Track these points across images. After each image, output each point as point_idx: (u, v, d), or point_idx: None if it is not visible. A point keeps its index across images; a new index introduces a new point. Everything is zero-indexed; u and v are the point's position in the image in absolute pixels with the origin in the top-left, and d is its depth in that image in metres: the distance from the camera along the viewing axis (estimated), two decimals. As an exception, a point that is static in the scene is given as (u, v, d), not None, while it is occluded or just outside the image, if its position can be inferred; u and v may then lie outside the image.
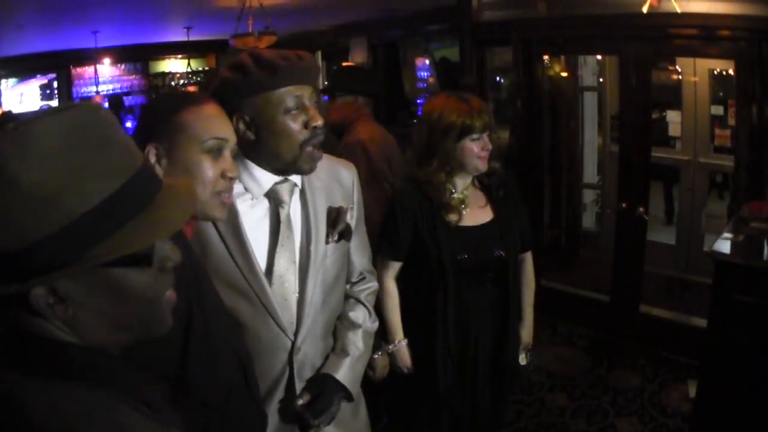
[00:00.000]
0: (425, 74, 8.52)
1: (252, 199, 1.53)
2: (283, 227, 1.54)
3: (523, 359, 2.35)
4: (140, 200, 0.80)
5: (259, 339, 1.52)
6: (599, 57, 5.26)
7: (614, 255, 4.20)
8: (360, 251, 1.78)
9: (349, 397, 1.64)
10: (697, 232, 4.68)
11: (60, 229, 0.73)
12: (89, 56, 8.35)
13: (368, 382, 1.77)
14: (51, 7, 4.99)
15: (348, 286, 1.77)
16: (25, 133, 0.73)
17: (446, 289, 2.09)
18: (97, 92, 8.69)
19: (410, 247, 2.15)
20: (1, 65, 7.94)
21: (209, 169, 1.24)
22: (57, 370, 0.75)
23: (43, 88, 8.61)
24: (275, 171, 1.52)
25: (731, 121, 4.38)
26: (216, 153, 1.25)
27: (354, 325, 1.72)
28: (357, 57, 7.69)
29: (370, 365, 2.01)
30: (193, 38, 7.86)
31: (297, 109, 1.44)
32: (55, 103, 8.63)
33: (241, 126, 1.44)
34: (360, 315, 1.74)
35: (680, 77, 4.98)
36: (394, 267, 2.19)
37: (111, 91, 8.92)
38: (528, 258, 2.36)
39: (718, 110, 4.72)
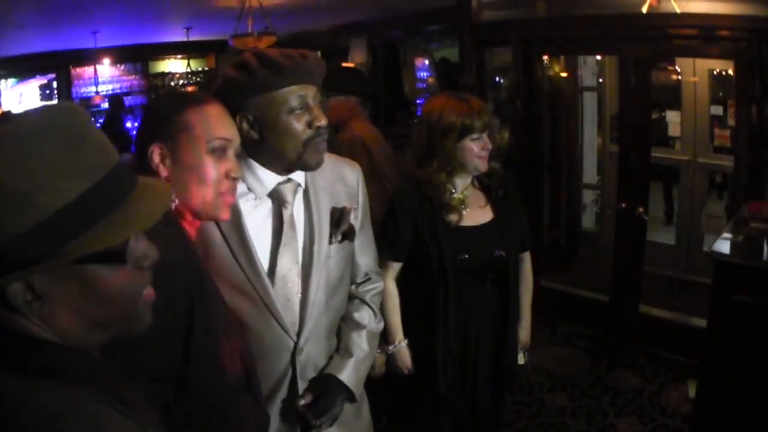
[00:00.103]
0: (425, 74, 8.53)
1: (255, 199, 1.52)
2: (286, 227, 1.53)
3: (521, 359, 2.35)
4: (114, 197, 0.81)
5: (261, 339, 1.51)
6: (599, 57, 5.27)
7: (614, 255, 4.20)
8: (365, 251, 1.76)
9: (351, 398, 1.63)
10: (696, 233, 4.69)
11: (34, 226, 0.75)
12: (89, 56, 8.34)
13: (368, 382, 1.76)
14: (51, 7, 5.00)
15: (353, 287, 1.76)
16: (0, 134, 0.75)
17: (447, 290, 2.09)
18: (97, 92, 8.69)
19: (410, 248, 2.15)
20: (0, 65, 7.93)
21: (213, 170, 1.24)
22: (34, 367, 0.76)
23: (42, 88, 8.60)
24: (279, 171, 1.51)
25: (731, 122, 4.39)
26: (220, 153, 1.26)
27: (359, 326, 1.71)
28: (357, 57, 7.69)
29: None
30: (192, 38, 7.86)
31: (301, 109, 1.44)
32: (54, 103, 8.63)
33: (245, 125, 1.43)
34: (365, 316, 1.73)
35: (680, 77, 4.98)
36: (394, 268, 2.19)
37: (110, 92, 8.90)
38: (526, 258, 2.36)
39: (717, 110, 4.72)
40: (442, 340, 2.12)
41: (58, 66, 8.49)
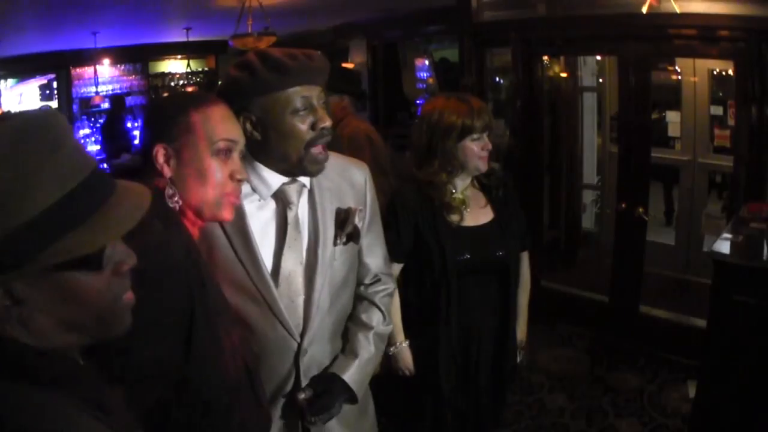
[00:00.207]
0: (425, 75, 8.54)
1: (259, 200, 1.51)
2: (290, 228, 1.52)
3: (517, 357, 2.35)
4: (90, 204, 0.81)
5: (265, 340, 1.51)
6: (599, 57, 5.27)
7: (614, 255, 4.21)
8: (374, 252, 1.74)
9: (353, 399, 1.61)
10: (696, 233, 4.68)
11: (10, 232, 0.75)
12: (89, 57, 8.34)
13: (371, 382, 1.75)
14: (51, 8, 4.99)
15: (362, 288, 1.74)
16: None
17: (449, 290, 2.09)
18: (97, 92, 8.69)
19: (411, 249, 2.14)
20: (0, 65, 7.93)
21: (218, 171, 1.24)
22: (10, 371, 0.77)
23: (42, 88, 8.60)
24: (283, 172, 1.50)
25: (731, 122, 4.39)
26: (224, 155, 1.25)
27: (366, 327, 1.68)
28: (357, 57, 7.70)
29: None
30: (192, 39, 7.86)
31: (305, 110, 1.42)
32: (54, 103, 8.63)
33: (248, 126, 1.42)
34: (373, 317, 1.70)
35: (680, 77, 4.99)
36: (395, 269, 2.19)
37: (110, 92, 8.91)
38: (525, 258, 2.36)
39: (717, 110, 4.72)
40: (445, 341, 2.12)
41: (58, 66, 8.50)
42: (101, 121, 8.78)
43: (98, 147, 8.74)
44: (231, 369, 1.26)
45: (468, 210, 2.16)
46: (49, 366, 0.80)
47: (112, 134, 8.19)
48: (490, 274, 2.19)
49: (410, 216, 2.11)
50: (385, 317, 1.74)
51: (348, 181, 1.65)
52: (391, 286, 1.81)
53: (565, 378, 3.76)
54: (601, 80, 5.44)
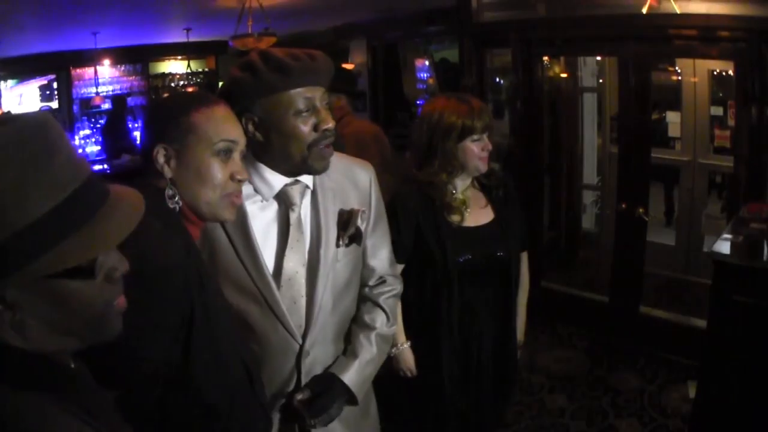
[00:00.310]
0: (425, 75, 8.54)
1: (262, 201, 1.51)
2: (292, 229, 1.51)
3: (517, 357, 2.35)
4: (83, 213, 0.81)
5: (267, 341, 1.50)
6: (599, 58, 5.26)
7: (614, 256, 4.21)
8: (380, 253, 1.73)
9: (353, 400, 1.60)
10: (696, 233, 4.68)
11: (2, 241, 0.75)
12: (89, 57, 8.34)
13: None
14: (51, 8, 5.00)
15: (366, 289, 1.73)
16: None
17: (450, 290, 2.09)
18: (97, 93, 8.68)
19: (412, 249, 2.14)
20: (0, 66, 7.93)
21: (219, 172, 1.24)
22: (1, 374, 0.77)
23: (42, 89, 8.59)
24: (286, 172, 1.49)
25: (731, 122, 4.39)
26: (225, 155, 1.25)
27: (368, 328, 1.67)
28: (357, 58, 7.71)
29: None
30: (192, 39, 7.87)
31: (307, 111, 1.41)
32: (54, 104, 8.63)
33: (251, 127, 1.41)
34: (376, 318, 1.69)
35: (680, 78, 4.99)
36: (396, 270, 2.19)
37: (111, 92, 8.91)
38: (524, 258, 2.36)
39: (717, 111, 4.73)
40: (447, 341, 2.11)
41: (59, 67, 8.50)
42: (101, 121, 8.78)
43: (98, 148, 8.75)
44: (231, 370, 1.26)
45: (468, 210, 2.16)
46: (40, 370, 0.81)
47: (114, 135, 8.19)
48: (491, 274, 2.19)
49: (411, 216, 2.10)
50: (389, 318, 1.72)
51: (352, 181, 1.64)
52: (397, 287, 1.79)
53: (565, 378, 3.76)
54: (601, 81, 5.44)
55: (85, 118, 8.95)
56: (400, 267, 2.12)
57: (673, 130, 5.03)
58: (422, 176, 2.11)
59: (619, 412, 3.38)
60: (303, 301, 1.53)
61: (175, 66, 9.64)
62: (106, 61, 8.76)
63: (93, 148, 8.84)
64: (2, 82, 8.28)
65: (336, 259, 1.56)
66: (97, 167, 7.62)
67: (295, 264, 1.52)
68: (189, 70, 9.61)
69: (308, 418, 1.50)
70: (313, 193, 1.56)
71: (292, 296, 1.52)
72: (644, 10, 3.44)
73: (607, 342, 4.09)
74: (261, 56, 1.40)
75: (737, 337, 2.60)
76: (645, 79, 3.91)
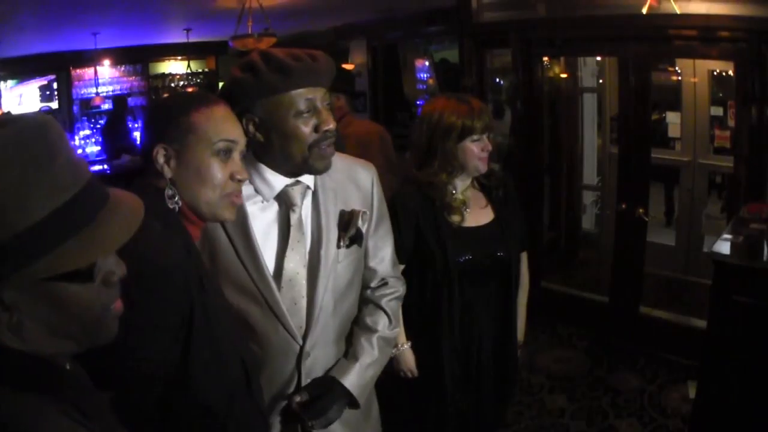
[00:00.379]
0: (425, 76, 8.53)
1: (262, 202, 1.50)
2: (293, 230, 1.51)
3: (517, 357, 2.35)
4: (83, 217, 0.81)
5: (268, 342, 1.50)
6: (599, 58, 5.27)
7: (614, 256, 4.20)
8: (382, 255, 1.72)
9: (354, 403, 1.59)
10: (696, 233, 4.69)
11: (1, 243, 0.75)
12: (89, 58, 8.35)
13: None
14: (51, 9, 5.00)
15: (368, 291, 1.72)
16: None
17: (450, 290, 2.09)
18: (97, 93, 8.69)
19: (412, 250, 2.14)
20: (0, 66, 7.93)
21: (218, 171, 1.24)
22: None
23: (42, 89, 8.59)
24: (286, 173, 1.48)
25: (731, 122, 4.39)
26: (225, 155, 1.25)
27: (369, 331, 1.66)
28: (357, 58, 7.72)
29: None
30: (192, 40, 7.87)
31: (308, 112, 1.40)
32: (54, 104, 8.64)
33: (251, 128, 1.41)
34: (378, 320, 1.68)
35: (680, 78, 4.98)
36: None
37: (111, 93, 8.91)
38: (523, 258, 2.36)
39: (717, 111, 4.72)
40: (447, 341, 2.11)
41: (58, 67, 8.50)
42: (101, 122, 8.79)
43: (98, 148, 8.75)
44: (230, 370, 1.26)
45: (468, 210, 2.16)
46: (36, 371, 0.81)
47: (113, 135, 8.20)
48: (491, 274, 2.19)
49: (411, 217, 2.10)
50: (391, 321, 1.71)
51: (353, 181, 1.63)
52: (399, 289, 1.78)
53: (566, 378, 3.76)
54: (601, 81, 5.44)
55: (85, 118, 8.96)
56: (400, 267, 2.12)
57: (673, 131, 5.03)
58: (422, 176, 2.11)
59: (619, 412, 3.38)
60: (303, 302, 1.52)
61: (175, 66, 9.64)
62: (106, 62, 8.76)
63: (93, 149, 8.84)
64: (2, 82, 8.27)
65: (337, 260, 1.55)
66: (96, 167, 7.63)
67: (296, 265, 1.51)
68: (189, 71, 9.60)
69: (306, 420, 1.49)
70: (314, 194, 1.55)
71: (292, 297, 1.51)
72: (644, 11, 3.45)
73: (607, 342, 4.09)
74: (262, 57, 1.39)
75: (737, 337, 2.60)
76: (645, 79, 3.91)
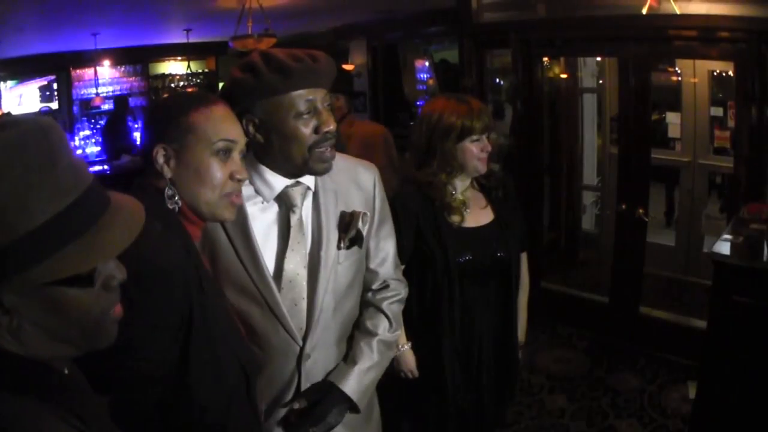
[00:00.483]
0: (425, 76, 8.54)
1: (263, 203, 1.50)
2: (293, 231, 1.50)
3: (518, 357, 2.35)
4: (84, 221, 0.80)
5: (268, 344, 1.49)
6: (599, 58, 5.27)
7: (614, 256, 4.21)
8: (383, 257, 1.70)
9: (354, 408, 1.57)
10: (696, 234, 4.69)
11: (2, 247, 0.74)
12: (89, 58, 8.34)
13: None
14: (51, 9, 5.00)
15: (369, 294, 1.71)
16: None
17: (451, 291, 2.08)
18: (97, 94, 8.69)
19: (413, 250, 2.13)
20: (0, 66, 7.93)
21: (218, 171, 1.24)
22: None
23: (42, 89, 8.59)
24: (287, 174, 1.48)
25: (731, 123, 4.39)
26: (225, 155, 1.25)
27: (369, 334, 1.64)
28: (357, 59, 7.72)
29: None
30: (192, 40, 7.87)
31: (309, 114, 1.40)
32: (54, 105, 8.64)
33: (251, 128, 1.40)
34: (378, 324, 1.66)
35: (680, 78, 4.99)
36: None
37: (111, 93, 8.91)
38: (523, 258, 2.36)
39: (717, 111, 4.72)
40: (448, 341, 2.11)
41: (58, 67, 8.50)
42: (101, 122, 8.79)
43: (98, 149, 8.76)
44: (228, 371, 1.25)
45: (468, 211, 2.16)
46: (34, 375, 0.80)
47: (115, 135, 8.20)
48: (492, 274, 2.19)
49: (411, 217, 2.10)
50: (392, 324, 1.70)
51: (355, 182, 1.62)
52: (401, 292, 1.76)
53: (566, 379, 3.76)
54: (601, 81, 5.44)
55: (85, 118, 8.96)
56: (400, 268, 2.12)
57: (673, 131, 5.03)
58: (421, 176, 2.11)
59: (619, 412, 3.38)
60: (304, 304, 1.52)
61: (175, 67, 9.64)
62: (106, 62, 8.76)
63: (93, 149, 8.84)
64: (2, 82, 8.28)
65: (337, 261, 1.54)
66: (96, 168, 7.63)
67: (296, 266, 1.51)
68: (189, 71, 9.60)
69: (307, 426, 1.48)
70: (315, 195, 1.54)
71: (292, 298, 1.51)
72: (644, 11, 3.45)
73: (607, 342, 4.09)
74: (262, 57, 1.39)
75: (737, 337, 2.60)
76: (645, 79, 3.91)
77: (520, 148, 4.56)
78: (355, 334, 1.66)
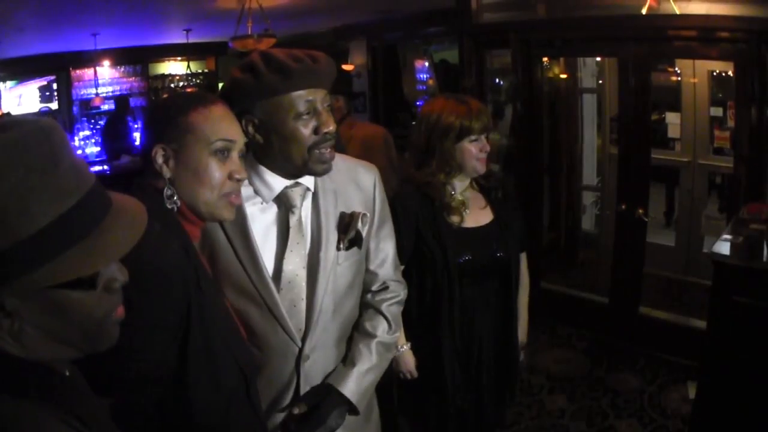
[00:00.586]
0: (425, 76, 8.54)
1: (262, 203, 1.49)
2: (292, 232, 1.50)
3: (519, 358, 2.35)
4: (86, 224, 0.80)
5: (267, 344, 1.49)
6: (598, 59, 5.27)
7: (613, 257, 4.21)
8: (382, 258, 1.70)
9: (353, 410, 1.57)
10: (696, 234, 4.69)
11: (3, 250, 0.74)
12: (89, 58, 8.34)
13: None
14: (50, 9, 5.00)
15: (368, 296, 1.70)
16: None
17: (450, 291, 2.08)
18: (97, 94, 8.69)
19: (412, 250, 2.13)
20: (0, 67, 7.93)
21: (216, 171, 1.24)
22: None
23: (42, 90, 8.59)
24: (286, 175, 1.47)
25: (731, 123, 4.39)
26: (223, 154, 1.25)
27: (368, 336, 1.64)
28: (356, 59, 7.72)
29: None
30: (192, 40, 7.87)
31: (308, 114, 1.39)
32: (54, 105, 8.64)
33: (251, 129, 1.40)
34: (377, 326, 1.66)
35: (679, 79, 4.99)
36: None
37: (111, 93, 8.91)
38: (523, 258, 2.36)
39: (717, 112, 4.72)
40: (448, 342, 2.11)
41: (58, 68, 8.50)
42: (101, 122, 8.79)
43: (98, 149, 8.76)
44: (227, 372, 1.25)
45: (468, 211, 2.15)
46: (35, 378, 0.80)
47: (115, 135, 8.20)
48: (491, 275, 2.19)
49: (411, 217, 2.10)
50: (391, 326, 1.69)
51: (355, 183, 1.61)
52: (400, 293, 1.76)
53: (565, 379, 3.75)
54: (600, 81, 5.44)
55: (85, 119, 8.96)
56: (400, 268, 2.12)
57: (673, 131, 5.03)
58: (420, 176, 2.11)
59: (618, 412, 3.37)
60: (303, 305, 1.51)
61: (174, 67, 9.64)
62: (106, 62, 8.76)
63: (93, 149, 8.84)
64: (2, 83, 8.27)
65: (337, 262, 1.54)
66: (96, 168, 7.63)
67: (295, 266, 1.50)
68: (189, 71, 9.60)
69: (306, 431, 1.48)
70: (314, 195, 1.54)
71: (291, 299, 1.50)
72: (644, 11, 3.45)
73: (606, 343, 4.09)
74: (262, 57, 1.38)
75: (737, 337, 2.60)
76: (645, 79, 3.90)
77: (520, 148, 4.56)
78: (354, 335, 1.65)
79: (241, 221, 1.44)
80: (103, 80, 8.90)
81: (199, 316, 1.17)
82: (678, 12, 3.40)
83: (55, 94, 8.69)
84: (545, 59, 4.76)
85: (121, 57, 8.86)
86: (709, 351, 2.81)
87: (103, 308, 0.84)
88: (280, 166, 1.46)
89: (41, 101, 8.59)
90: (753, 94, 3.38)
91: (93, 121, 8.98)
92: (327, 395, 1.53)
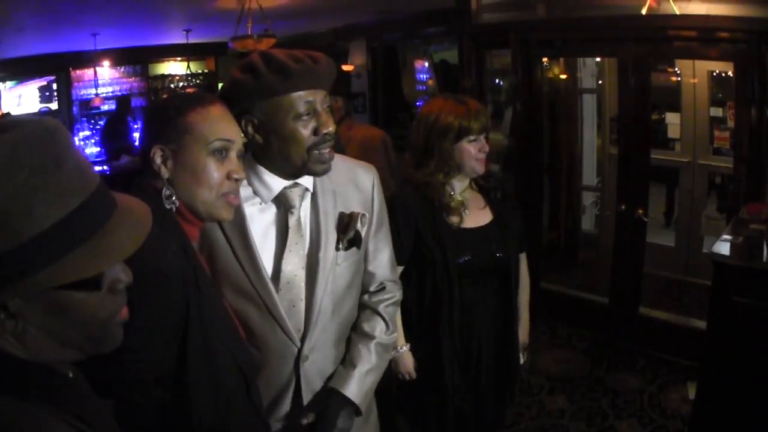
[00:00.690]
0: (424, 76, 8.53)
1: (261, 204, 1.49)
2: (291, 232, 1.50)
3: (520, 358, 2.35)
4: (91, 225, 0.79)
5: (266, 345, 1.49)
6: (598, 59, 5.27)
7: (613, 257, 4.20)
8: (380, 259, 1.70)
9: (357, 411, 1.57)
10: (696, 234, 4.69)
11: (7, 252, 0.73)
12: (89, 58, 8.33)
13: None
14: (50, 9, 5.00)
15: (366, 296, 1.70)
16: None
17: (450, 292, 2.08)
18: (97, 94, 8.69)
19: (412, 251, 2.13)
20: (0, 67, 7.93)
21: (215, 171, 1.24)
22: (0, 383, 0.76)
23: (42, 90, 8.59)
24: (285, 175, 1.47)
25: (730, 123, 4.39)
26: (222, 154, 1.25)
27: (367, 337, 1.64)
28: (356, 59, 7.72)
29: None
30: (192, 40, 7.87)
31: (308, 115, 1.39)
32: (54, 105, 8.64)
33: (250, 129, 1.40)
34: (376, 326, 1.66)
35: (679, 79, 4.99)
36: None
37: (111, 94, 8.91)
38: (523, 259, 2.36)
39: (717, 112, 4.73)
40: (448, 342, 2.11)
41: (58, 68, 8.50)
42: (101, 123, 8.78)
43: (98, 149, 8.75)
44: (226, 372, 1.25)
45: (467, 211, 2.15)
46: (38, 379, 0.80)
47: (115, 135, 8.20)
48: (491, 275, 2.18)
49: (410, 218, 2.10)
50: (389, 327, 1.69)
51: (354, 183, 1.62)
52: (397, 294, 1.76)
53: (565, 379, 3.75)
54: (600, 82, 5.45)
55: (85, 119, 8.96)
56: (399, 269, 2.12)
57: (673, 131, 5.04)
58: (419, 176, 2.11)
59: (618, 413, 3.37)
60: (302, 305, 1.51)
61: (174, 67, 9.63)
62: (106, 63, 8.75)
63: (92, 150, 8.84)
64: (2, 83, 8.27)
65: (336, 262, 1.54)
66: (96, 168, 7.62)
67: (294, 267, 1.50)
68: (188, 72, 9.59)
69: None
70: (314, 196, 1.54)
71: (290, 299, 1.50)
72: (644, 11, 3.45)
73: (606, 343, 4.09)
74: (262, 58, 1.38)
75: (737, 337, 2.60)
76: (644, 80, 3.90)
77: (520, 149, 4.56)
78: (352, 336, 1.65)
79: (239, 221, 1.44)
80: (103, 80, 8.90)
81: (198, 317, 1.17)
82: (678, 12, 3.40)
83: (55, 94, 8.69)
84: (545, 59, 4.77)
85: (121, 57, 8.85)
86: (709, 351, 2.80)
87: (107, 309, 0.84)
88: (279, 167, 1.46)
89: (41, 101, 8.59)
90: (753, 94, 3.38)
91: (93, 121, 8.97)
92: (331, 398, 1.53)
